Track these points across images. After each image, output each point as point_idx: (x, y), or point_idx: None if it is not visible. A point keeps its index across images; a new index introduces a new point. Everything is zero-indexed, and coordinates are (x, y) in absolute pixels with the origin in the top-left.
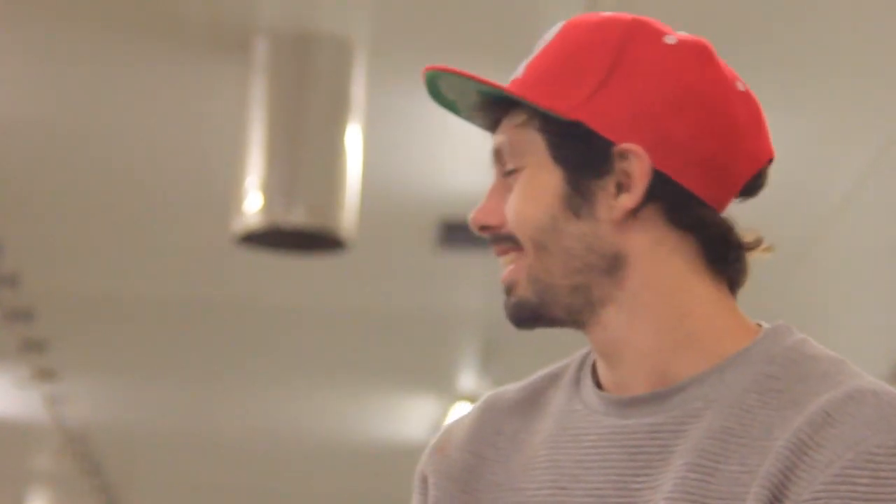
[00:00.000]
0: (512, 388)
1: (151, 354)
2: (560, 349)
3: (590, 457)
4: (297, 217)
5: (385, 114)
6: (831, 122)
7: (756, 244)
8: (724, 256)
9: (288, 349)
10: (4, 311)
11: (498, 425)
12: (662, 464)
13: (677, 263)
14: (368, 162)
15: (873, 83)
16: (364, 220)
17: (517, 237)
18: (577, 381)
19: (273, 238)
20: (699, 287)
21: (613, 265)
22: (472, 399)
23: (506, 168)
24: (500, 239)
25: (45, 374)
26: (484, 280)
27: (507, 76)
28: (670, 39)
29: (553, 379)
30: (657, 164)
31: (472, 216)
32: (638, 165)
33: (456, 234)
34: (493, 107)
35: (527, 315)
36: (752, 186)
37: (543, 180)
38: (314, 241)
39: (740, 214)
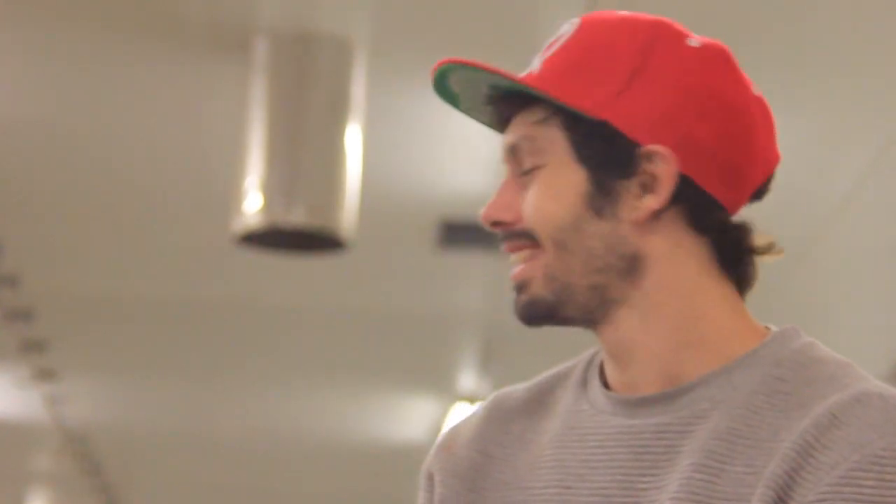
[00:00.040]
0: (519, 387)
1: (151, 354)
2: (560, 349)
3: (596, 456)
4: (297, 217)
5: (385, 114)
6: (831, 122)
7: (768, 249)
8: (736, 260)
9: (288, 349)
10: (4, 311)
11: (505, 424)
12: (668, 464)
13: (693, 266)
14: (368, 162)
15: (873, 83)
16: (364, 220)
17: (536, 235)
18: (584, 381)
19: (273, 238)
20: (712, 289)
21: (631, 266)
22: (472, 399)
23: (523, 165)
24: (514, 236)
25: (45, 374)
26: (484, 280)
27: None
28: (693, 42)
29: (560, 379)
30: (681, 167)
31: (484, 211)
32: (664, 167)
33: (456, 234)
34: (507, 102)
35: (540, 313)
36: (760, 191)
37: (566, 179)
38: (314, 241)
39: (740, 215)
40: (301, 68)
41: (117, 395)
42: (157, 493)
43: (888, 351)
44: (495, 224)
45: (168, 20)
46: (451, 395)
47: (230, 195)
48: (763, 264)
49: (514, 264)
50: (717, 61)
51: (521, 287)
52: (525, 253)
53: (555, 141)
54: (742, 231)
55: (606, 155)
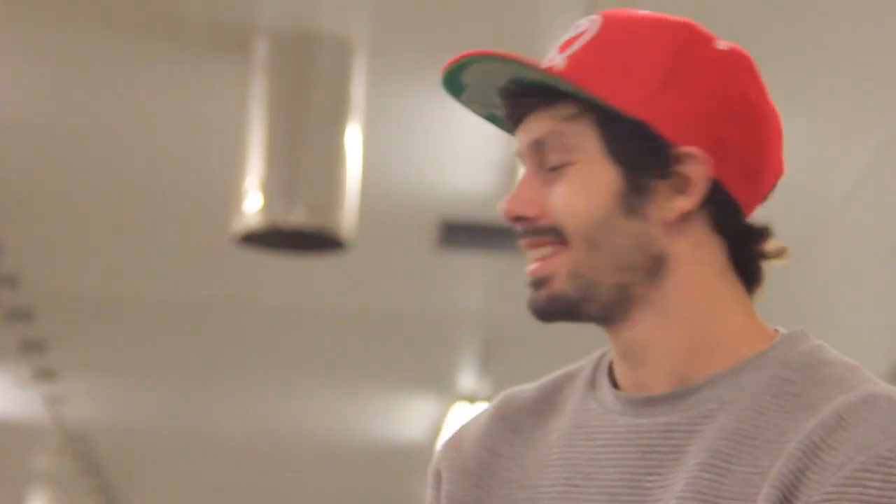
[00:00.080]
0: (528, 387)
1: (151, 354)
2: (560, 349)
3: (603, 455)
4: (297, 217)
5: (385, 114)
6: (831, 122)
7: (778, 254)
8: (750, 262)
9: (288, 349)
10: (4, 311)
11: (513, 423)
12: (675, 463)
13: (711, 267)
14: (368, 162)
15: (873, 83)
16: (364, 220)
17: (565, 231)
18: (593, 380)
19: (273, 238)
20: (726, 291)
21: (656, 265)
22: (472, 399)
23: (548, 161)
24: (537, 232)
25: (45, 374)
26: (484, 280)
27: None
28: (722, 45)
29: (569, 378)
30: (712, 170)
31: (505, 206)
32: (698, 169)
33: (456, 234)
34: (529, 97)
35: (561, 310)
36: (765, 196)
37: (599, 176)
38: (314, 241)
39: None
40: (301, 68)
41: (117, 395)
42: (157, 493)
43: (888, 351)
44: (517, 219)
45: (168, 20)
46: (451, 395)
47: (230, 195)
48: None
49: (531, 260)
50: (743, 66)
51: (540, 282)
52: (546, 249)
53: (586, 138)
54: (761, 234)
55: (641, 154)
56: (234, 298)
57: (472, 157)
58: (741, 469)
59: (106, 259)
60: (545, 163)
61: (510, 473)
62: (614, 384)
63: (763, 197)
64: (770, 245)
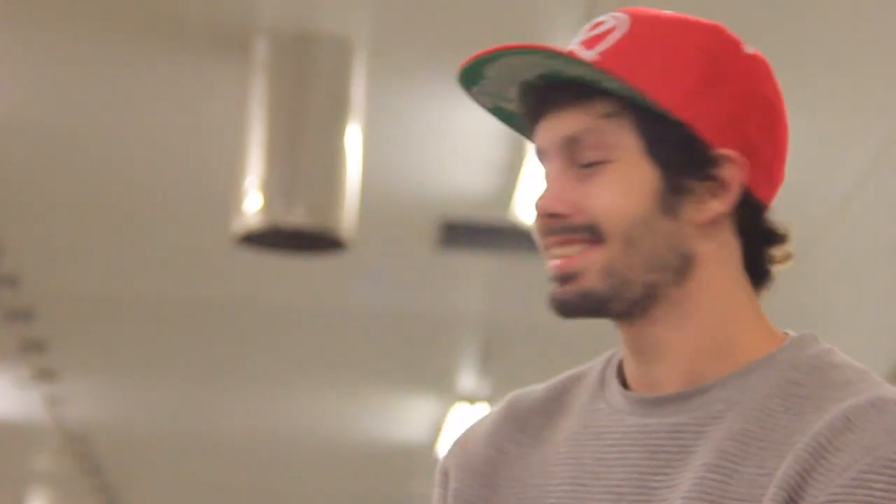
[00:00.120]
0: (537, 388)
1: (151, 354)
2: (559, 349)
3: (610, 455)
4: (297, 217)
5: (385, 114)
6: (831, 122)
7: (785, 258)
8: (762, 265)
9: (288, 349)
10: (4, 311)
11: (521, 422)
12: (682, 464)
13: (732, 268)
14: (368, 162)
15: (873, 83)
16: (364, 220)
17: (602, 229)
18: (601, 380)
19: (273, 238)
20: (742, 293)
21: (684, 266)
22: (472, 399)
23: (582, 158)
24: (570, 229)
25: (45, 374)
26: (484, 280)
27: None
28: (748, 49)
29: (577, 379)
30: (746, 173)
31: (540, 202)
32: (734, 172)
33: (456, 234)
34: (560, 92)
35: (589, 306)
36: None
37: (639, 175)
38: (314, 241)
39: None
40: (301, 68)
41: (117, 395)
42: (157, 493)
43: (888, 351)
44: (551, 216)
45: (168, 20)
46: (451, 395)
47: (230, 195)
48: None
49: (555, 256)
50: (766, 70)
51: (568, 278)
52: (576, 247)
53: (625, 137)
54: (779, 238)
55: (681, 155)
56: (234, 298)
57: (472, 157)
58: (748, 470)
59: (106, 259)
60: (578, 159)
61: (518, 472)
62: (623, 384)
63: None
64: (779, 249)
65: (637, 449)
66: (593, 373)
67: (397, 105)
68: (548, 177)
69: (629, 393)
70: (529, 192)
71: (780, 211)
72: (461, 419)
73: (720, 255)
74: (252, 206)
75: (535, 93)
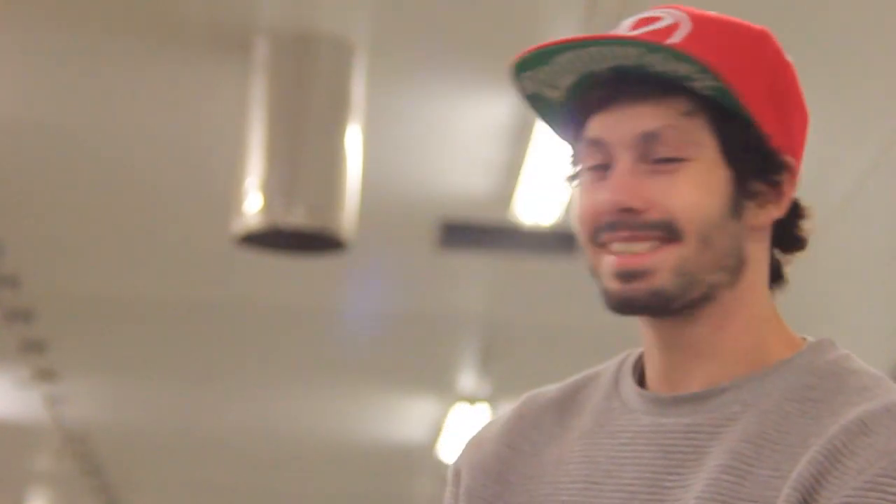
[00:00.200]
0: (551, 387)
1: (151, 354)
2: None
3: (624, 454)
4: (296, 217)
5: (385, 114)
6: (831, 122)
7: (788, 262)
8: (779, 269)
9: (288, 349)
10: (4, 311)
11: (535, 421)
12: (696, 464)
13: (765, 273)
14: (368, 162)
15: (874, 83)
16: (364, 220)
17: (679, 227)
18: (616, 380)
19: (273, 238)
20: (769, 297)
21: (737, 267)
22: (472, 399)
23: (658, 153)
24: (645, 225)
25: (45, 374)
26: (484, 280)
27: (507, 76)
28: (788, 56)
29: (592, 379)
30: (798, 180)
31: (614, 197)
32: (791, 179)
33: (456, 234)
34: (637, 87)
35: (658, 305)
36: None
37: (717, 176)
38: (314, 241)
39: None
40: (301, 68)
41: (117, 395)
42: (157, 493)
43: (888, 351)
44: (625, 211)
45: (168, 20)
46: (451, 395)
47: (230, 195)
48: None
49: (619, 252)
50: (797, 77)
51: (638, 275)
52: (647, 244)
53: (703, 136)
54: (802, 245)
55: (754, 158)
56: (234, 298)
57: (472, 157)
58: (762, 472)
59: (106, 259)
60: (651, 155)
61: (530, 470)
62: (639, 384)
63: None
64: (799, 255)
65: (651, 448)
66: (608, 373)
67: (397, 105)
68: (614, 170)
69: (645, 392)
70: (529, 192)
71: None
72: (461, 419)
73: (762, 259)
74: (252, 206)
75: (604, 84)
